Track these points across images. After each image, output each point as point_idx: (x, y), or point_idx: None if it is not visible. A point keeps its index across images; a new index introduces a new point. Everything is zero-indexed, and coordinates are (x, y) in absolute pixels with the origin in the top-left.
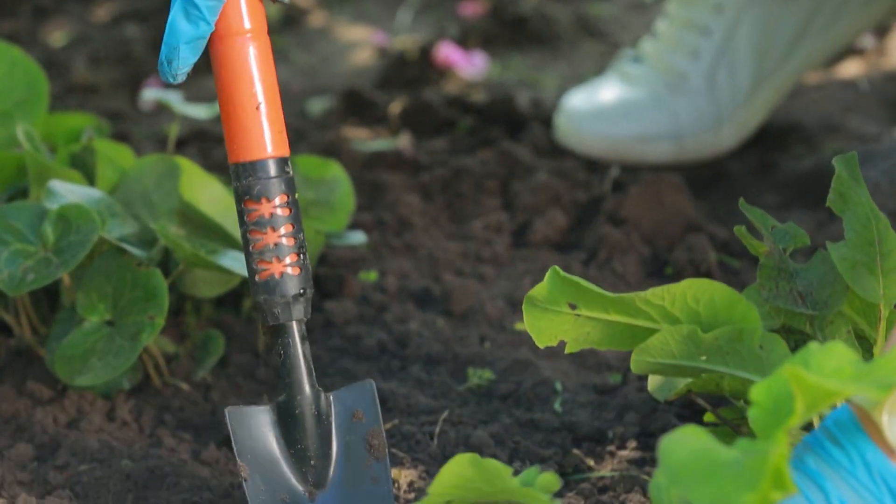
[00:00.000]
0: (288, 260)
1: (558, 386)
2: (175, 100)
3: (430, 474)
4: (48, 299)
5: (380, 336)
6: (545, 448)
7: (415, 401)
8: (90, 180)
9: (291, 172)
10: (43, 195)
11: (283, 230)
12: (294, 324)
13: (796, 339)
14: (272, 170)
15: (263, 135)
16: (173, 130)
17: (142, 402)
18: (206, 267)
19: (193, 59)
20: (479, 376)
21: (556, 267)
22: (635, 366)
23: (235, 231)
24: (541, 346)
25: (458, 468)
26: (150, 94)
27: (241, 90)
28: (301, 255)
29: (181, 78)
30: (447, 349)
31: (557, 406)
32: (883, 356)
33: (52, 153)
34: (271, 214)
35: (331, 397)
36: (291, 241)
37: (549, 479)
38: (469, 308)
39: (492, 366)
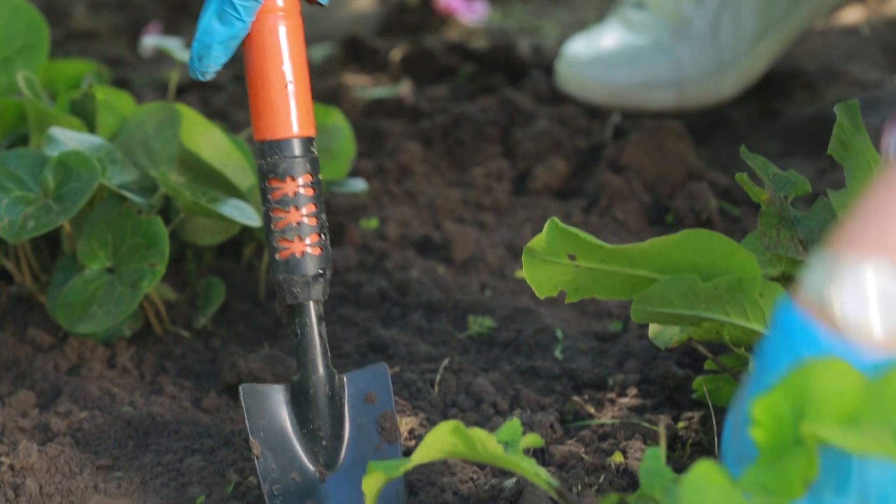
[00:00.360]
0: (309, 240)
1: (559, 333)
2: (175, 47)
3: (431, 422)
4: (49, 246)
5: (380, 283)
6: (546, 395)
7: (415, 348)
8: (90, 127)
9: (316, 153)
10: (43, 142)
11: (305, 210)
12: (312, 304)
13: (794, 287)
14: (298, 149)
15: (290, 114)
16: (174, 77)
17: (142, 349)
18: (207, 215)
19: (225, 59)
20: (479, 324)
21: (555, 218)
22: (635, 315)
23: (236, 179)
24: (541, 296)
25: (442, 436)
26: (151, 40)
27: (270, 68)
28: (322, 236)
29: (210, 76)
30: (448, 297)
31: (558, 353)
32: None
33: (53, 100)
34: (295, 193)
35: (344, 378)
36: (314, 221)
37: (533, 439)
38: (470, 256)
39: (492, 313)
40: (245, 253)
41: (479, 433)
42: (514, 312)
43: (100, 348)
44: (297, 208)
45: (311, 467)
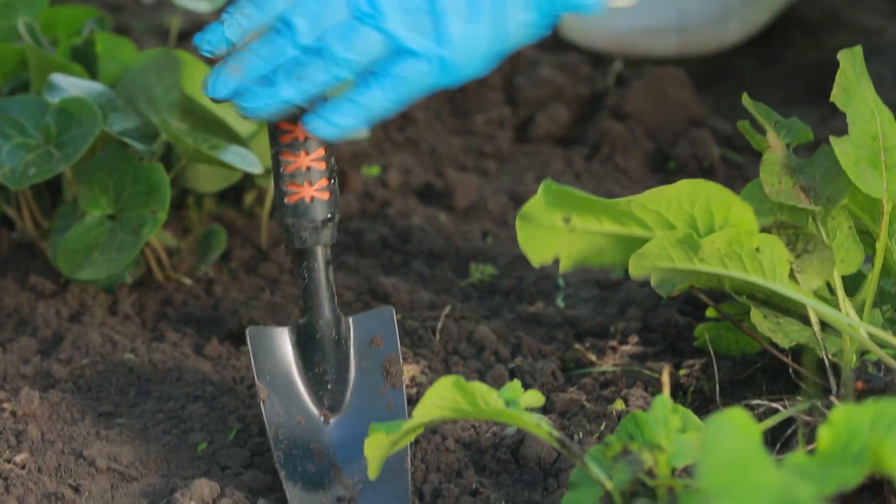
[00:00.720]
0: (318, 184)
1: (561, 281)
2: None
3: (432, 369)
4: (50, 193)
5: (382, 231)
6: (547, 343)
7: (417, 296)
8: (92, 74)
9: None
10: (44, 89)
11: (314, 154)
12: (320, 248)
13: (789, 234)
14: None
15: None
16: (175, 23)
17: (144, 296)
18: (208, 161)
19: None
20: (481, 271)
21: (549, 180)
22: (634, 270)
23: (237, 125)
24: (535, 263)
25: (442, 391)
26: None
27: None
28: (331, 180)
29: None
30: (449, 244)
31: (560, 301)
32: None
33: (54, 46)
34: (305, 138)
35: (350, 322)
36: (323, 166)
37: (533, 395)
38: (471, 203)
39: (494, 261)
40: (246, 200)
41: (480, 387)
42: (516, 260)
43: (101, 295)
44: (306, 153)
45: (315, 411)
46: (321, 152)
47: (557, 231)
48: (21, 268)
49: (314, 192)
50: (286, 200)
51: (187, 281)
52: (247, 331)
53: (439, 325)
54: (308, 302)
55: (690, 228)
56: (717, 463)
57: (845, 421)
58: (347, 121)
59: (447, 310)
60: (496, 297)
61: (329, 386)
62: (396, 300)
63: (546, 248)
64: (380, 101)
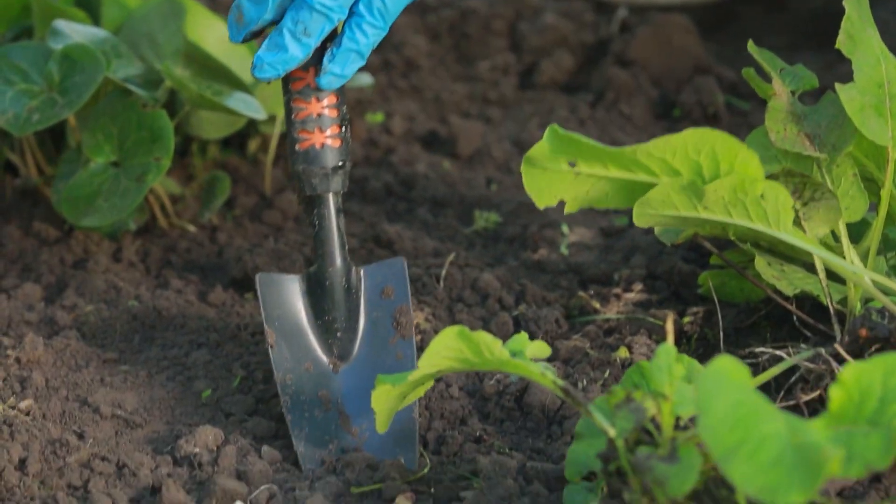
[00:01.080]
0: (329, 131)
1: (565, 228)
2: None
3: (437, 317)
4: (53, 140)
5: (386, 178)
6: (551, 290)
7: (421, 243)
8: (95, 20)
9: None
10: (48, 35)
11: (326, 101)
12: (331, 195)
13: (796, 182)
14: None
15: None
16: None
17: (148, 243)
18: (212, 108)
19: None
20: (485, 219)
21: (555, 125)
22: (638, 218)
23: (241, 72)
24: (540, 206)
25: (448, 341)
26: None
27: None
28: (343, 128)
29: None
30: (453, 192)
31: (564, 248)
32: None
33: None
34: (316, 86)
35: (361, 271)
36: (334, 113)
37: (539, 346)
38: (475, 150)
39: (498, 208)
40: (250, 147)
41: (485, 337)
42: (520, 207)
43: (105, 242)
44: (318, 100)
45: (324, 358)
46: (333, 100)
47: (563, 175)
48: (25, 214)
49: (325, 138)
50: (297, 147)
51: (191, 228)
52: (256, 277)
53: (443, 272)
54: (318, 250)
55: (696, 176)
56: (718, 423)
57: (856, 380)
58: (350, 67)
59: (451, 257)
60: (500, 245)
61: (339, 334)
62: (400, 247)
63: (551, 191)
64: (370, 35)
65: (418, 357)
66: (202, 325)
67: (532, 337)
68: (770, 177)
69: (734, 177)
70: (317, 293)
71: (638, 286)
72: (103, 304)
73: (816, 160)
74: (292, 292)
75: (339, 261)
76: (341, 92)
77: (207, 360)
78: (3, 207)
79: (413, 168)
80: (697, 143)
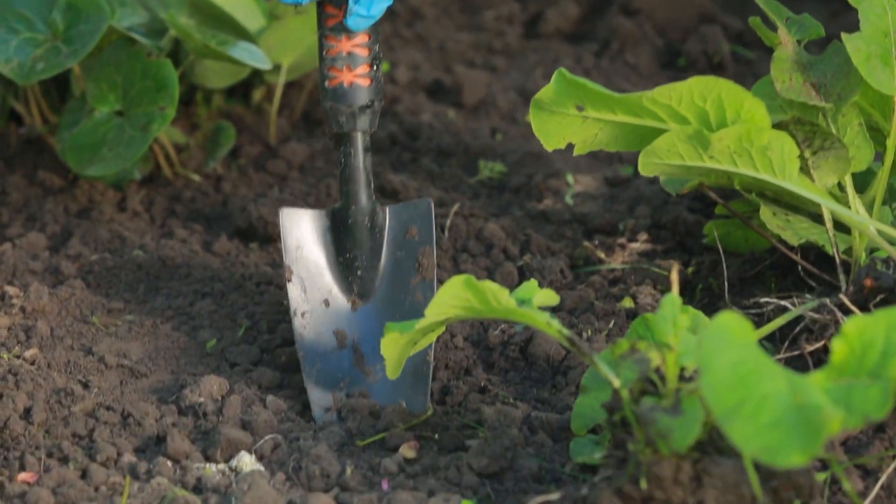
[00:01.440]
0: (359, 70)
1: (570, 178)
2: None
3: (442, 267)
4: (58, 88)
5: (391, 128)
6: (556, 240)
7: (426, 193)
8: None
9: None
10: None
11: (357, 40)
12: (358, 134)
13: (806, 131)
14: None
15: None
16: None
17: (153, 192)
18: (217, 58)
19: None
20: (490, 168)
21: (562, 69)
22: (643, 168)
23: (246, 21)
24: (549, 148)
25: (454, 289)
26: None
27: None
28: (373, 67)
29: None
30: (458, 141)
31: (569, 198)
32: None
33: None
34: None
35: (387, 211)
36: (365, 52)
37: (547, 294)
38: (480, 100)
39: (503, 158)
40: (255, 96)
41: (491, 286)
42: (525, 157)
43: (110, 191)
44: (348, 38)
45: (343, 296)
46: (363, 38)
47: (571, 119)
48: (29, 163)
49: (353, 77)
50: (326, 84)
51: (196, 177)
52: (280, 210)
53: (448, 222)
54: (343, 187)
55: (703, 124)
56: (719, 381)
57: (858, 333)
58: (376, 7)
59: (456, 207)
60: (505, 195)
61: (360, 273)
62: (405, 197)
63: (559, 134)
64: None
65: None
66: (207, 274)
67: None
68: (779, 125)
69: (740, 126)
70: (340, 231)
71: (643, 236)
72: (108, 254)
73: (822, 110)
74: (315, 229)
75: (363, 199)
76: (374, 31)
77: (212, 309)
78: (7, 156)
79: (418, 118)
80: (703, 91)
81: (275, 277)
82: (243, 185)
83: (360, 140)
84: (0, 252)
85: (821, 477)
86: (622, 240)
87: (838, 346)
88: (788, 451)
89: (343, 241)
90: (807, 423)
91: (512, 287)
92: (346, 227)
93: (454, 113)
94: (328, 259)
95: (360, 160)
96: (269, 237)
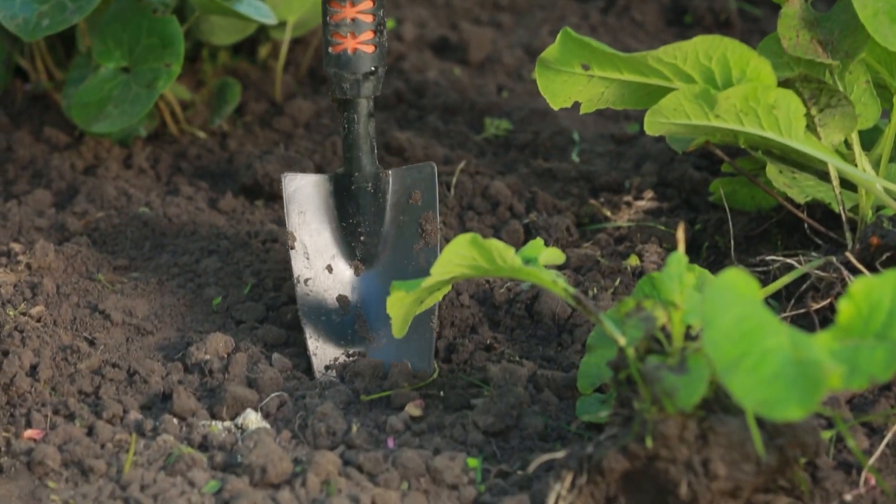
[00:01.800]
0: (363, 37)
1: (576, 136)
2: None
3: (448, 225)
4: (64, 45)
5: (397, 85)
6: (562, 198)
7: (432, 151)
8: None
9: None
10: None
11: (360, 6)
12: (362, 100)
13: (813, 89)
14: None
15: None
16: None
17: (158, 149)
18: (223, 13)
19: None
20: (496, 126)
21: (568, 28)
22: (649, 127)
23: None
24: (555, 107)
25: (460, 248)
26: None
27: None
28: (378, 34)
29: None
30: (464, 99)
31: (575, 156)
32: None
33: None
34: None
35: (389, 175)
36: (369, 18)
37: (553, 253)
38: (486, 57)
39: (509, 115)
40: (261, 53)
41: (496, 244)
42: (531, 114)
43: (116, 148)
44: (352, 4)
45: (346, 261)
46: (368, 4)
47: (576, 78)
48: (35, 120)
49: (357, 44)
50: (330, 50)
51: (201, 134)
52: (283, 176)
53: (454, 180)
54: (346, 153)
55: (708, 83)
56: (722, 336)
57: (865, 294)
58: None
59: (462, 165)
60: (511, 152)
61: (363, 238)
62: (411, 155)
63: (565, 93)
64: None
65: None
66: (213, 232)
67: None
68: (785, 82)
69: (746, 85)
70: (342, 196)
71: (649, 194)
72: (114, 211)
73: (829, 67)
74: (317, 193)
75: (366, 165)
76: None
77: (218, 267)
78: (13, 113)
79: (424, 75)
80: (708, 50)
81: (280, 235)
82: (249, 142)
83: (363, 106)
84: (6, 209)
85: (826, 435)
86: (628, 197)
87: (845, 307)
88: (786, 405)
89: (346, 207)
90: (805, 377)
91: (518, 245)
92: (349, 193)
93: (460, 70)
94: (331, 225)
95: (364, 126)
96: (275, 194)
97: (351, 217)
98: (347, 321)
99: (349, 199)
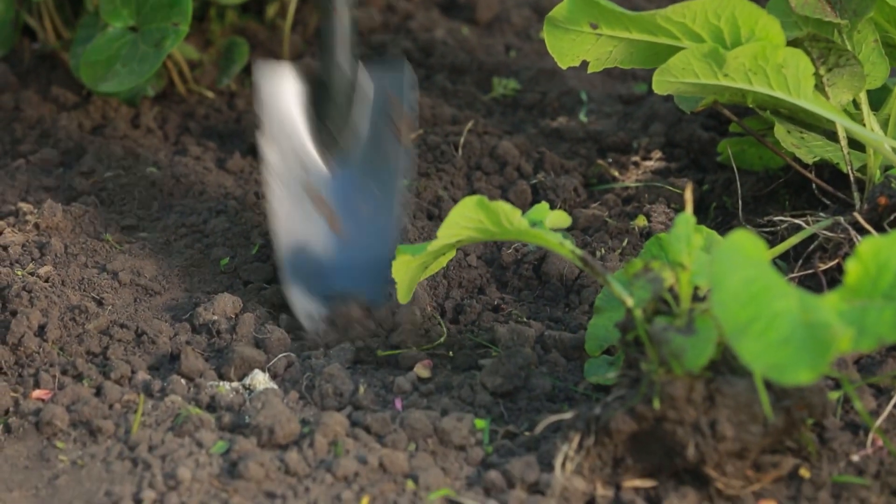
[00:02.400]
0: None
1: (584, 95)
2: None
3: (455, 185)
4: (71, 4)
5: (405, 44)
6: (570, 158)
7: (440, 111)
8: None
9: None
10: None
11: None
12: None
13: (821, 48)
14: None
15: None
16: None
17: (166, 109)
18: None
19: None
20: (504, 86)
21: None
22: (657, 86)
23: None
24: (563, 66)
25: (467, 210)
26: None
27: None
28: None
29: None
30: (472, 58)
31: (583, 116)
32: None
33: None
34: None
35: (367, 74)
36: None
37: (559, 215)
38: (494, 16)
39: (517, 75)
40: (269, 12)
41: (503, 206)
42: (539, 74)
43: (123, 108)
44: None
45: (321, 161)
46: None
47: (585, 37)
48: (43, 79)
49: None
50: None
51: (209, 94)
52: (254, 65)
53: (462, 140)
54: (322, 49)
55: (717, 42)
56: (730, 298)
57: (873, 254)
58: None
59: (470, 124)
60: (519, 112)
61: (338, 137)
62: (419, 115)
63: (574, 52)
64: None
65: (413, 168)
66: (220, 192)
67: (551, 205)
68: (794, 42)
69: (755, 44)
70: (318, 92)
71: (657, 154)
72: (122, 171)
73: (837, 26)
74: (291, 87)
75: (341, 59)
76: None
77: (226, 227)
78: (21, 72)
79: (431, 34)
80: (717, 9)
81: None
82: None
83: None
84: (13, 168)
85: (834, 396)
86: (636, 158)
87: (853, 267)
88: (796, 369)
89: (322, 104)
90: (815, 340)
91: (525, 206)
92: (324, 89)
93: (468, 29)
94: (306, 123)
95: (341, 17)
96: None
97: (326, 115)
98: (323, 242)
99: (324, 95)
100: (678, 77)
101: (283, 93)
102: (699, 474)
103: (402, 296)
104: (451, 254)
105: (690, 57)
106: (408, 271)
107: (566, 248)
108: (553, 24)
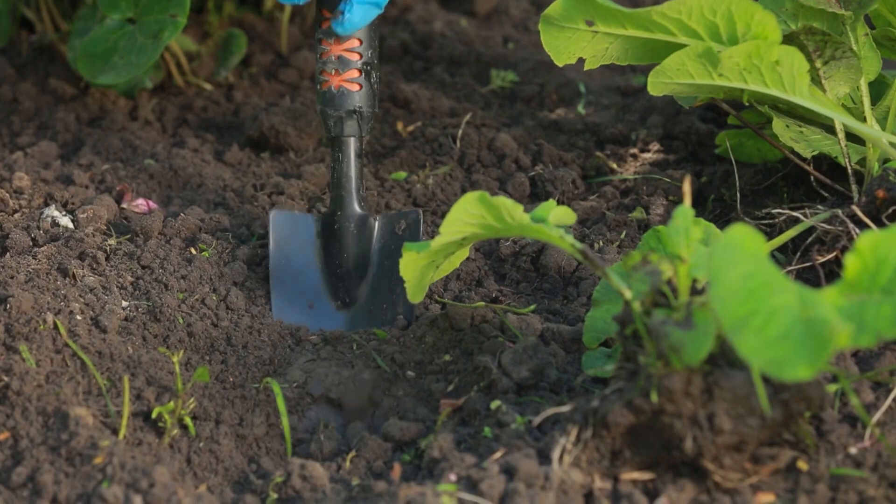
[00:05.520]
0: (348, 74)
1: (582, 88)
2: None
3: (453, 177)
4: None
5: (402, 36)
6: (568, 150)
7: (438, 103)
8: None
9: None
10: None
11: (348, 44)
12: (350, 140)
13: (817, 41)
14: None
15: None
16: None
17: (164, 101)
18: None
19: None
20: (502, 78)
21: None
22: (653, 87)
23: None
24: (560, 64)
25: (468, 206)
26: None
27: None
28: (364, 73)
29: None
30: (470, 50)
31: (581, 108)
32: None
33: None
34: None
35: (377, 219)
36: (355, 57)
37: (563, 212)
38: (493, 8)
39: (515, 67)
40: (267, 4)
41: (504, 202)
42: (538, 66)
43: (121, 100)
44: (339, 41)
45: (330, 300)
46: (354, 43)
47: (581, 34)
48: (41, 71)
49: (342, 81)
50: (319, 87)
51: (207, 86)
52: (270, 213)
53: (460, 132)
54: (332, 192)
55: (713, 37)
56: (729, 294)
57: (872, 248)
58: (364, 18)
59: (468, 117)
60: (517, 104)
61: (346, 279)
62: (417, 107)
63: (570, 49)
64: None
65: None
66: (219, 185)
67: (548, 198)
68: (790, 35)
69: (749, 43)
70: (328, 236)
71: (655, 146)
72: (119, 163)
73: (841, 18)
74: (303, 232)
75: (350, 206)
76: (367, 37)
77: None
78: (19, 64)
79: (430, 26)
80: (713, 4)
81: (287, 187)
82: (255, 94)
83: (350, 146)
84: (12, 160)
85: (832, 388)
86: (634, 150)
87: (851, 262)
88: (795, 365)
89: (331, 247)
90: (814, 336)
91: (524, 198)
92: (334, 234)
93: (466, 21)
94: (316, 263)
95: (350, 167)
96: (281, 147)
97: (335, 257)
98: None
99: (334, 239)
100: (673, 78)
101: (296, 237)
102: (697, 467)
103: (413, 295)
104: (464, 253)
105: (685, 58)
106: (416, 269)
107: (567, 243)
108: (549, 22)
